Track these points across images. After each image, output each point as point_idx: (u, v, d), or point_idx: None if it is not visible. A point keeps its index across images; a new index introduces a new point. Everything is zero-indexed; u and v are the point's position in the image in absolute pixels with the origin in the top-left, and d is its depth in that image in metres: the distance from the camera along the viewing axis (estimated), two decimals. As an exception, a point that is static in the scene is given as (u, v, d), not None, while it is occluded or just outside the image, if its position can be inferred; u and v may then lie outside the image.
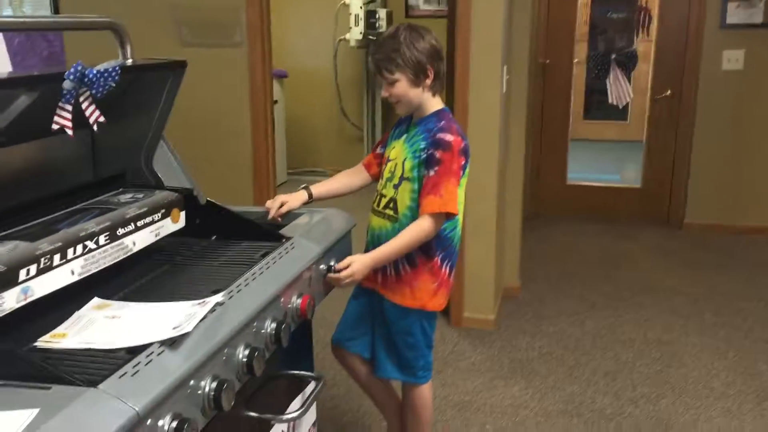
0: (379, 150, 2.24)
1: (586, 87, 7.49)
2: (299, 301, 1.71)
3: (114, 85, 1.47)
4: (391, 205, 2.06)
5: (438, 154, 1.95)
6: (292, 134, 6.87)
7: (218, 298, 1.43)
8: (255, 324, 1.50)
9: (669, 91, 5.18)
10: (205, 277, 1.63)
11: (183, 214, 1.80)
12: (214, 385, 1.26)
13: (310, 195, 2.15)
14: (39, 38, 2.19)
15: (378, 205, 2.11)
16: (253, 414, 1.60)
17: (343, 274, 1.90)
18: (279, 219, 2.05)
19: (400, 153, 2.06)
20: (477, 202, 3.38)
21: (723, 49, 4.93)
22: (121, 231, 1.54)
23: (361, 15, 6.14)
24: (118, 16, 3.61)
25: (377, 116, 6.71)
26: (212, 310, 1.38)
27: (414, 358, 2.16)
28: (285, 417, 1.72)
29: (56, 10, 3.71)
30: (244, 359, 1.41)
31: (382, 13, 6.16)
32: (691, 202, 5.20)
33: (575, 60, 5.60)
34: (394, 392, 2.37)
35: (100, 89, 1.45)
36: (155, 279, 1.63)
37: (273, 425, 1.70)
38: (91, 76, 1.41)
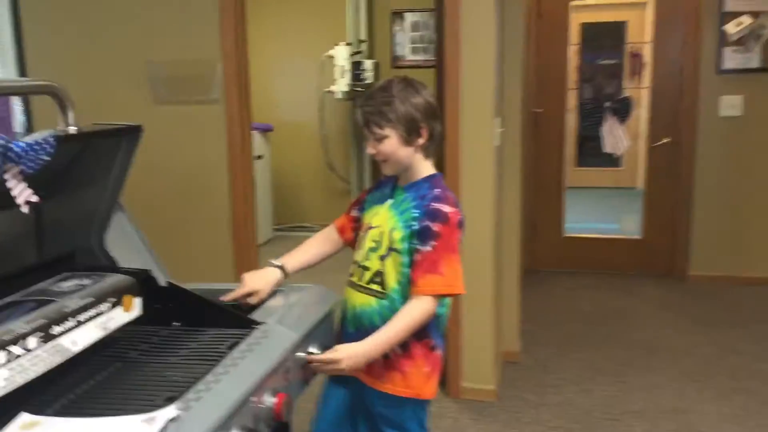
0: (354, 212, 2.00)
1: (577, 134, 7.37)
2: (274, 401, 1.47)
3: (48, 158, 1.25)
4: (378, 279, 1.82)
5: (435, 228, 1.73)
6: (279, 189, 6.68)
7: (171, 411, 1.18)
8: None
9: (667, 139, 5.00)
10: (161, 379, 1.39)
11: (138, 300, 1.56)
12: None
13: (285, 273, 1.91)
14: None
15: (360, 279, 1.86)
16: None
17: (326, 357, 1.65)
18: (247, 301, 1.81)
19: (386, 221, 1.83)
20: (473, 265, 3.13)
21: (720, 95, 4.77)
22: (57, 329, 1.30)
23: (347, 66, 5.99)
24: (91, 73, 3.47)
25: (365, 169, 6.51)
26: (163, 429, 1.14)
27: (408, 456, 1.90)
28: None
29: (23, 69, 3.51)
30: None
31: (368, 64, 6.01)
32: (695, 252, 4.99)
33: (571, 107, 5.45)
34: None
35: (31, 164, 1.23)
36: (101, 383, 1.38)
37: None
38: (18, 150, 1.19)
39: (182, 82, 3.36)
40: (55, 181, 1.63)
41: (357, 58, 6.07)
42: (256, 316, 1.72)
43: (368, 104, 1.77)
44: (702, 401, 3.25)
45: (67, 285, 1.47)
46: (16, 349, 1.20)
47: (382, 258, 1.81)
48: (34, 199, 1.26)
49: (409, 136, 1.76)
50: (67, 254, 1.65)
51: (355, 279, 1.87)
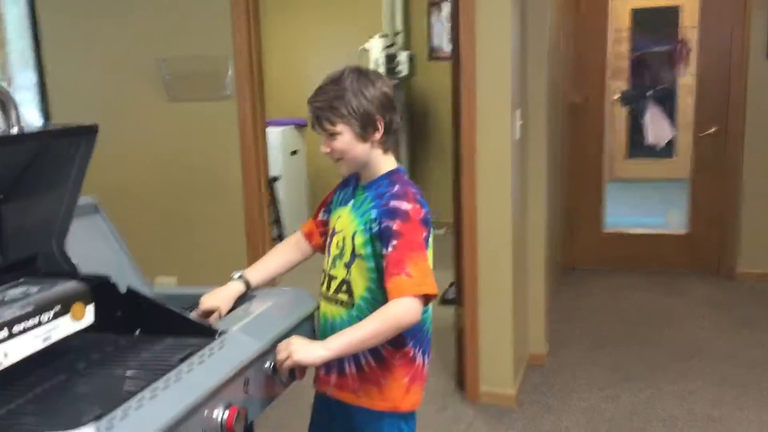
0: (321, 215, 1.88)
1: (628, 124, 7.09)
2: (224, 415, 1.38)
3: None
4: (344, 288, 1.70)
5: (395, 227, 1.59)
6: (314, 185, 6.61)
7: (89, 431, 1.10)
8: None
9: (714, 128, 4.74)
10: (100, 392, 1.32)
11: (90, 308, 1.49)
12: None
13: (248, 286, 1.81)
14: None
15: (328, 290, 1.74)
16: None
17: (279, 352, 1.54)
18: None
19: (347, 224, 1.71)
20: (490, 263, 3.03)
21: (770, 82, 4.49)
22: (-16, 341, 1.24)
23: (381, 60, 5.89)
24: (106, 71, 3.46)
25: (403, 165, 6.39)
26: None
27: (394, 473, 1.79)
28: None
29: (41, 68, 3.53)
30: None
31: (402, 57, 5.90)
32: (744, 248, 4.72)
33: (615, 97, 5.23)
34: None
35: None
36: (38, 397, 1.31)
37: None
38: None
39: (195, 78, 3.32)
40: (15, 183, 1.59)
41: (392, 50, 5.95)
42: (223, 322, 1.65)
43: (318, 99, 1.65)
44: (741, 409, 3.04)
45: (13, 293, 1.41)
46: (-68, 364, 1.14)
47: (347, 265, 1.69)
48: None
49: (365, 131, 1.64)
50: (28, 258, 1.60)
51: (323, 289, 1.76)
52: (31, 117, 3.57)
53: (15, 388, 1.32)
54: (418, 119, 6.47)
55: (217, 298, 1.76)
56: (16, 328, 1.31)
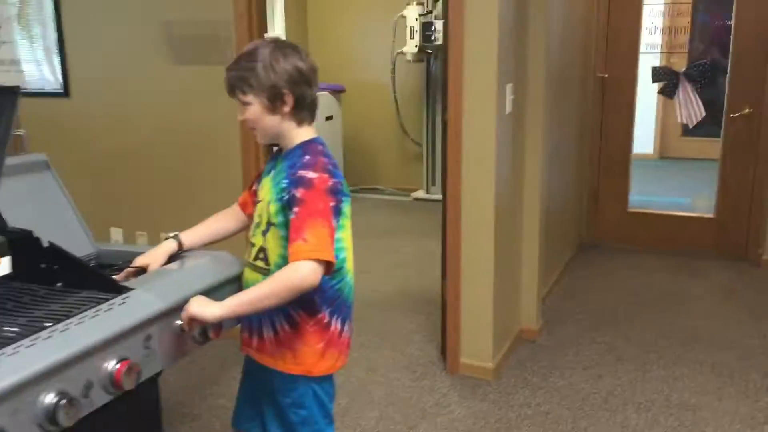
0: (255, 186, 1.93)
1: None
2: (114, 367, 1.46)
3: None
4: (261, 255, 1.75)
5: (299, 194, 1.64)
6: (350, 151, 6.67)
7: (-49, 372, 1.20)
8: (16, 400, 1.26)
9: (748, 109, 4.54)
10: (-5, 338, 1.42)
11: (6, 259, 1.60)
12: None
13: (180, 246, 1.89)
14: None
15: (249, 256, 1.80)
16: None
17: (183, 311, 1.62)
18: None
19: (266, 193, 1.76)
20: (472, 237, 3.03)
21: (810, 61, 4.27)
22: None
23: (417, 27, 5.85)
24: (115, 34, 3.58)
25: (437, 133, 6.38)
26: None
27: (309, 435, 1.85)
28: None
29: (61, 33, 3.67)
30: None
31: (438, 25, 5.84)
32: (772, 235, 4.54)
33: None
34: None
35: None
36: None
37: None
38: None
39: (198, 42, 3.39)
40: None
41: (427, 18, 5.91)
42: (139, 280, 1.73)
43: (232, 69, 1.70)
44: (721, 398, 2.98)
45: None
46: None
47: (264, 233, 1.75)
48: None
49: (273, 103, 1.68)
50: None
51: (246, 256, 1.82)
52: (51, 73, 3.73)
53: None
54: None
55: (149, 257, 1.85)
56: None
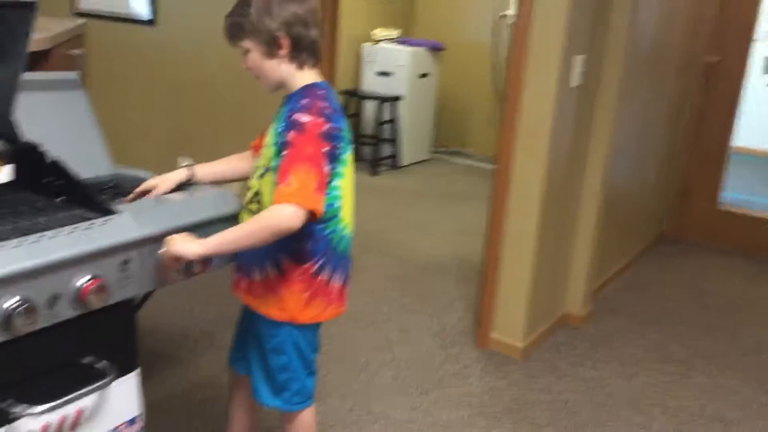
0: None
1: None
2: (84, 283, 1.51)
3: None
4: (255, 198, 1.76)
5: (289, 137, 1.62)
6: (443, 110, 6.58)
7: None
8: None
9: None
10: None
11: (8, 167, 1.67)
12: None
13: (192, 175, 1.91)
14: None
15: (245, 200, 1.81)
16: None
17: (164, 245, 1.64)
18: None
19: (269, 138, 1.76)
20: (517, 211, 2.93)
21: None
22: None
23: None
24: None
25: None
26: None
27: (287, 381, 1.85)
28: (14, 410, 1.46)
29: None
30: None
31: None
32: None
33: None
34: (254, 424, 2.13)
35: None
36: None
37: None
38: None
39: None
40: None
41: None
42: (133, 204, 1.78)
43: (229, 16, 1.70)
44: (763, 417, 2.77)
45: (-63, 143, 1.62)
46: None
47: (260, 177, 1.75)
48: None
49: (270, 48, 1.66)
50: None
51: (243, 199, 1.83)
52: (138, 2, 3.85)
53: None
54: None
55: (158, 180, 1.89)
56: None
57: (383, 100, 5.90)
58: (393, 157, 6.14)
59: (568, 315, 3.41)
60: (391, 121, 6.01)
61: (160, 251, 1.67)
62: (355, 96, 6.06)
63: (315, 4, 1.72)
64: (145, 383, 2.54)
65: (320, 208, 1.64)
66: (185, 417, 2.48)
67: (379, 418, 2.56)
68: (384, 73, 6.10)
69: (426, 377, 2.86)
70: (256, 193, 1.76)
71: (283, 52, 1.67)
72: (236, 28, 1.68)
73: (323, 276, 1.79)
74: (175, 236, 1.65)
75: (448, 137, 6.68)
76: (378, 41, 6.18)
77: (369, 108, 6.05)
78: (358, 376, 2.82)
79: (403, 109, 6.07)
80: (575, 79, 2.90)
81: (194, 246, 1.64)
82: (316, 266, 1.77)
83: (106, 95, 3.87)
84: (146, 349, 2.85)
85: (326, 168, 1.65)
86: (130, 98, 4.01)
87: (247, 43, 1.68)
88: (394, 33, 6.24)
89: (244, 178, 1.98)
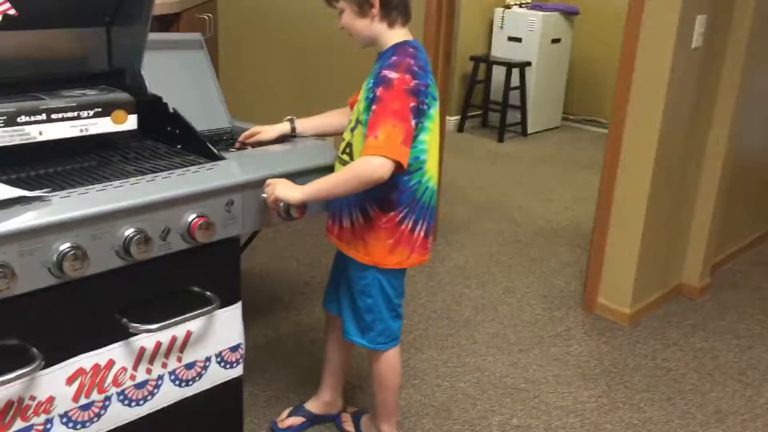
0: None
1: None
2: (190, 220, 1.69)
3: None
4: (348, 150, 1.88)
5: (378, 92, 1.74)
6: (575, 77, 6.43)
7: (43, 193, 1.49)
8: (97, 227, 1.53)
9: None
10: (100, 177, 1.70)
11: (133, 117, 1.88)
12: None
13: (293, 129, 2.06)
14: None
15: (338, 150, 1.94)
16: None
17: (265, 188, 1.79)
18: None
19: (361, 93, 1.87)
20: (628, 175, 2.89)
21: None
22: (23, 119, 1.68)
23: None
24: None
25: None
26: (26, 201, 1.46)
27: (372, 321, 1.98)
28: (133, 326, 1.66)
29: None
30: (59, 256, 1.46)
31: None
32: None
33: None
34: (347, 361, 2.29)
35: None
36: (66, 170, 1.73)
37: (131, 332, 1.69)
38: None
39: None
40: (115, 12, 2.00)
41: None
42: (239, 153, 1.95)
43: None
44: None
45: (73, 93, 1.84)
46: (-26, 124, 1.60)
47: (352, 130, 1.87)
48: (11, 12, 1.62)
49: (360, 8, 1.78)
50: (116, 71, 2.02)
51: (337, 150, 1.95)
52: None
53: (50, 161, 1.76)
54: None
55: (263, 128, 2.07)
56: (54, 116, 1.73)
57: (512, 66, 5.86)
58: (521, 123, 6.09)
59: (684, 285, 3.32)
60: (520, 87, 5.96)
61: (262, 195, 1.84)
62: (483, 62, 6.05)
63: None
64: (261, 322, 2.79)
65: (405, 159, 1.74)
66: (295, 355, 2.68)
67: (474, 371, 2.64)
68: (514, 39, 6.04)
69: (527, 336, 2.91)
70: (348, 145, 1.88)
71: (374, 11, 1.78)
72: None
73: (407, 224, 1.89)
74: (276, 180, 1.80)
75: (580, 104, 6.53)
76: (510, 6, 6.12)
77: (498, 74, 6.02)
78: (459, 331, 2.91)
79: (533, 75, 6.00)
80: (696, 40, 2.80)
81: (294, 191, 1.78)
82: (401, 215, 1.87)
83: (234, 56, 4.12)
84: (265, 293, 3.09)
85: (412, 122, 1.75)
86: (257, 59, 4.24)
87: (341, 4, 1.80)
88: (527, -3, 6.17)
89: (339, 132, 2.11)
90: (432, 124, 1.83)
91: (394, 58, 1.78)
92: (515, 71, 5.88)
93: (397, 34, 1.82)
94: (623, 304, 3.02)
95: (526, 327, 2.98)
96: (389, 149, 1.71)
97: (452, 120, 6.10)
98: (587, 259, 3.20)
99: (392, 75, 1.74)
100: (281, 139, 2.08)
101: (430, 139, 1.84)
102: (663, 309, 3.18)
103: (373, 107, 1.73)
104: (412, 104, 1.74)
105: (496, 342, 2.85)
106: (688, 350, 2.87)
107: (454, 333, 2.90)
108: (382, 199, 1.85)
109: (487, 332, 2.92)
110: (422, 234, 1.93)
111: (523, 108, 6.04)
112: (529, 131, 6.13)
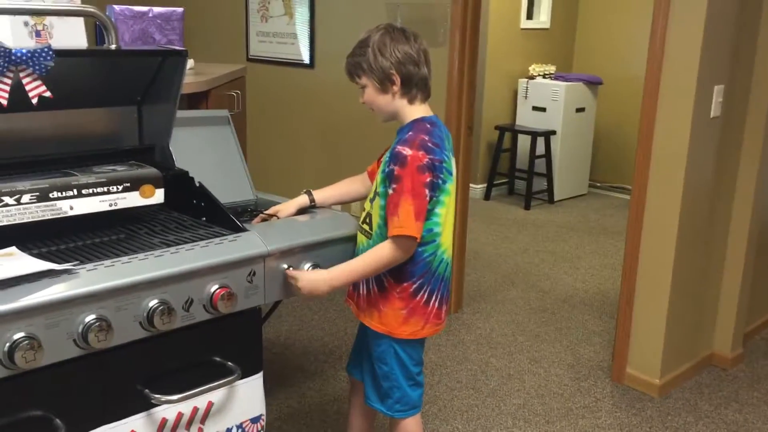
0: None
1: None
2: (215, 291, 1.73)
3: (52, 64, 1.67)
4: (368, 219, 1.94)
5: (396, 171, 1.80)
6: (600, 145, 6.48)
7: (71, 266, 1.54)
8: (122, 299, 1.57)
9: None
10: (127, 249, 1.75)
11: (160, 191, 1.94)
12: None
13: (312, 201, 2.11)
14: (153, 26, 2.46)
15: (360, 220, 1.99)
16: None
17: (289, 273, 1.84)
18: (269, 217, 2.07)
19: (381, 166, 1.92)
20: (652, 244, 2.89)
21: None
22: (55, 194, 1.74)
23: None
24: (350, 15, 3.92)
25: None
26: (54, 274, 1.51)
27: (390, 389, 1.98)
28: (155, 396, 1.69)
29: (312, 9, 4.11)
30: (84, 328, 1.50)
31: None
32: None
33: None
34: (370, 428, 2.26)
35: (38, 68, 1.66)
36: (96, 244, 1.79)
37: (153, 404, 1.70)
38: (19, 55, 1.62)
39: (420, 24, 3.59)
40: (146, 91, 2.09)
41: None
42: (262, 224, 2.00)
43: (349, 56, 1.90)
44: None
45: (103, 169, 1.91)
46: (8, 200, 1.67)
47: (371, 200, 1.93)
48: (48, 95, 1.70)
49: (383, 84, 1.84)
50: (146, 147, 2.10)
51: (359, 220, 2.00)
52: (301, 48, 4.20)
53: (80, 234, 1.82)
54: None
55: (282, 206, 2.12)
56: (85, 191, 1.79)
57: (537, 134, 5.92)
58: (547, 191, 6.11)
59: (716, 355, 3.26)
60: (546, 155, 6.01)
61: (284, 266, 1.87)
62: (509, 131, 6.12)
63: (425, 44, 1.87)
64: (285, 393, 2.79)
65: (419, 234, 1.80)
66: (319, 426, 2.66)
67: (501, 443, 2.60)
68: (539, 108, 6.12)
69: (554, 408, 2.86)
70: (368, 215, 1.93)
71: (395, 88, 1.84)
72: (355, 67, 1.87)
73: (422, 295, 1.91)
74: (297, 274, 1.83)
75: (606, 171, 6.54)
76: (534, 77, 6.22)
77: (523, 142, 6.08)
78: (484, 402, 2.87)
79: (559, 144, 6.05)
80: (714, 110, 2.83)
81: (319, 286, 1.83)
82: (414, 285, 1.90)
83: (261, 130, 4.24)
84: (289, 363, 3.09)
85: (426, 197, 1.79)
86: (283, 133, 4.35)
87: (364, 80, 1.87)
88: (551, 68, 6.26)
89: (357, 199, 2.17)
90: (447, 198, 1.87)
91: (410, 133, 1.83)
92: (540, 140, 5.94)
93: (416, 110, 1.88)
94: (653, 374, 2.97)
95: (553, 398, 2.93)
96: (405, 227, 1.78)
97: (479, 188, 6.15)
98: (615, 328, 3.16)
99: (406, 152, 1.79)
100: (301, 211, 2.12)
101: (444, 212, 1.88)
102: (694, 380, 3.12)
103: (393, 185, 1.79)
104: (427, 179, 1.79)
105: (522, 414, 2.81)
106: (721, 423, 2.80)
107: (479, 404, 2.86)
108: (396, 269, 1.87)
109: (513, 403, 2.88)
110: (436, 305, 1.95)
111: (549, 176, 6.07)
112: (555, 198, 6.15)
